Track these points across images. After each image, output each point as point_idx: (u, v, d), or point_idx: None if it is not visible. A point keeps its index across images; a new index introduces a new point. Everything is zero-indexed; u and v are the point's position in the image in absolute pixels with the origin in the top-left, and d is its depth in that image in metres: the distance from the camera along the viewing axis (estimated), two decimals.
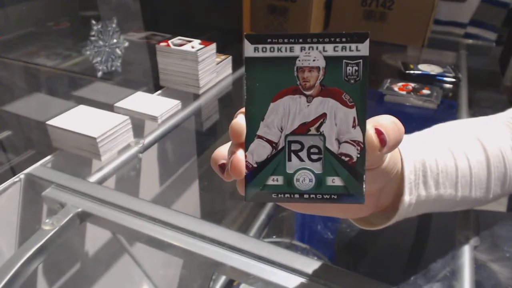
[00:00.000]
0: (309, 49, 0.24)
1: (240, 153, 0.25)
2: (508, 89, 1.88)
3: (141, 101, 0.75)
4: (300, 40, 0.24)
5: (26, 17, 0.61)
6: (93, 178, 0.58)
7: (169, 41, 0.80)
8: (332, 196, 0.25)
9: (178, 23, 0.97)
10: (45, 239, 0.47)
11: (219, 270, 0.45)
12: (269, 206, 0.83)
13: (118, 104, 0.73)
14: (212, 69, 0.83)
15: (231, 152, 0.25)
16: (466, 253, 0.47)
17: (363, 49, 0.24)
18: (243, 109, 0.25)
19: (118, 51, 0.74)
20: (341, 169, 0.25)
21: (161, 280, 0.87)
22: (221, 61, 0.88)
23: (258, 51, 0.24)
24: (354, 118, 0.24)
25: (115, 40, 0.72)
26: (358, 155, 0.25)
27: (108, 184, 0.61)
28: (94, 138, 0.58)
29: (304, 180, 0.25)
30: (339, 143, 0.25)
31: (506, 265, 0.49)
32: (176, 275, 0.87)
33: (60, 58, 0.68)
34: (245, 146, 0.25)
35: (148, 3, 0.81)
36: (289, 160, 0.25)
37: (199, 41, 0.81)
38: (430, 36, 1.23)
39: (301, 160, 0.25)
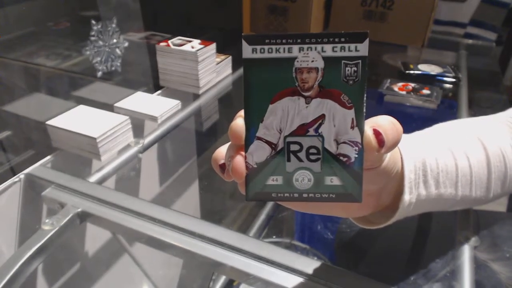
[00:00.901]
0: (307, 49, 0.24)
1: (240, 155, 0.25)
2: (508, 89, 1.88)
3: (141, 101, 0.75)
4: (299, 41, 0.24)
5: (26, 17, 0.61)
6: (93, 178, 0.58)
7: (169, 41, 0.80)
8: (330, 195, 0.26)
9: (178, 23, 0.97)
10: (45, 239, 0.47)
11: (219, 270, 0.45)
12: (269, 206, 0.83)
13: (118, 104, 0.73)
14: (212, 69, 0.83)
15: (231, 154, 0.25)
16: (466, 253, 0.47)
17: (362, 49, 0.23)
18: (242, 112, 0.25)
19: (118, 51, 0.74)
20: (339, 169, 0.25)
21: (161, 280, 0.87)
22: (221, 61, 0.87)
23: (256, 52, 0.24)
24: (353, 119, 0.24)
25: (115, 40, 0.72)
26: (356, 156, 0.25)
27: (108, 184, 0.61)
28: (94, 138, 0.58)
29: (303, 179, 0.25)
30: (338, 143, 0.25)
31: (506, 264, 0.49)
32: (176, 275, 0.87)
33: (60, 58, 0.68)
34: (245, 147, 0.25)
35: (148, 3, 0.81)
36: (288, 160, 0.25)
37: (199, 41, 0.81)
38: (430, 36, 1.23)
39: (300, 160, 0.25)
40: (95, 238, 0.73)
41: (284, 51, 0.24)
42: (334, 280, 0.40)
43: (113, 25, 0.71)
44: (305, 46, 0.24)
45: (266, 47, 0.24)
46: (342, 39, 0.23)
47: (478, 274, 0.46)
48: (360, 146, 0.25)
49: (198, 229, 0.47)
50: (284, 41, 0.24)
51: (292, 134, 0.25)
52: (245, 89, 0.24)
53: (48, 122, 0.62)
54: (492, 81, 1.15)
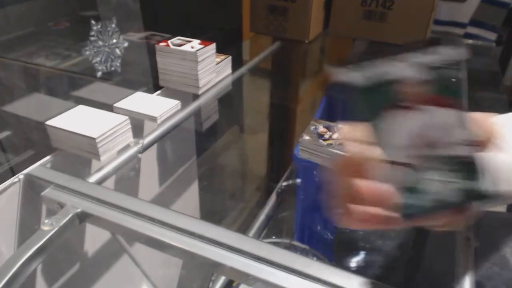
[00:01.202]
0: (404, 63, 0.24)
1: (380, 183, 0.24)
2: (508, 89, 1.88)
3: (141, 101, 0.75)
4: (394, 57, 0.24)
5: (26, 17, 0.61)
6: (93, 178, 0.58)
7: (169, 41, 0.80)
8: (469, 198, 0.25)
9: (177, 23, 0.97)
10: (44, 239, 0.47)
11: (218, 270, 0.45)
12: (268, 206, 0.83)
13: (118, 104, 0.73)
14: (211, 69, 0.83)
15: (366, 186, 0.24)
16: (466, 253, 0.47)
17: (457, 53, 0.24)
18: (348, 134, 0.25)
19: (117, 51, 0.74)
20: (468, 172, 0.25)
21: (161, 281, 0.87)
22: (220, 61, 0.87)
23: (360, 78, 0.24)
24: (464, 120, 0.24)
25: (114, 40, 0.72)
26: (477, 154, 0.25)
27: (107, 185, 0.61)
28: (94, 138, 0.58)
29: (440, 189, 0.25)
30: (459, 146, 0.24)
31: (506, 265, 0.49)
32: (175, 276, 0.87)
33: (59, 58, 0.67)
34: (370, 172, 0.25)
35: (148, 3, 0.81)
36: (422, 175, 0.25)
37: (198, 41, 0.81)
38: (430, 36, 1.23)
39: (430, 171, 0.25)
40: (94, 238, 0.73)
41: (381, 69, 0.24)
42: (334, 280, 0.40)
43: (113, 25, 0.71)
44: (402, 62, 0.24)
45: (366, 71, 0.24)
46: (435, 47, 0.24)
47: (478, 274, 0.46)
48: (478, 144, 0.24)
49: (198, 230, 0.47)
50: (381, 60, 0.24)
51: (413, 148, 0.24)
52: (355, 116, 0.24)
53: (48, 122, 0.62)
54: (492, 81, 1.15)
